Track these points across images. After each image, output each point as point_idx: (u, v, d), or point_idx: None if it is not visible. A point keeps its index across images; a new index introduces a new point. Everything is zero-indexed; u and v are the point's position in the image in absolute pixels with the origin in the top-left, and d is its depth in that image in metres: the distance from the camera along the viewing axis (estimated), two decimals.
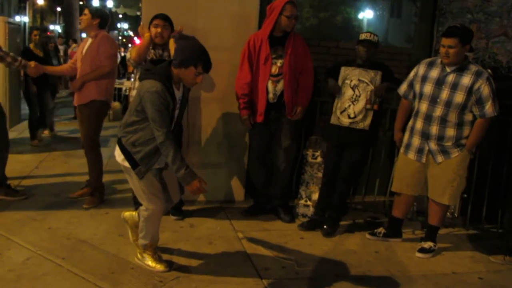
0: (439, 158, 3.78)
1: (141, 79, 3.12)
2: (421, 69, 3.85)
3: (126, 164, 3.15)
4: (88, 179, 4.80)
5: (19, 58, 4.66)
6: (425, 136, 3.80)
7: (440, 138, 3.74)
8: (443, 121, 3.71)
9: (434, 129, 3.75)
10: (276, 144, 4.46)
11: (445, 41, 3.63)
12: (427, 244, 3.94)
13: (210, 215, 4.53)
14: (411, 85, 3.92)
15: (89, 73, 4.47)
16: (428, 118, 3.77)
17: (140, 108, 3.03)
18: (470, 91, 3.61)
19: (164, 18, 4.11)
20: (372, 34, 4.18)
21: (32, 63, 4.64)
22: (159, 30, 4.08)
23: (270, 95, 4.29)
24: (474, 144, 3.77)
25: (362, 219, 4.70)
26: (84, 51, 4.55)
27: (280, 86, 4.27)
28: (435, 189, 3.88)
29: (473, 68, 3.66)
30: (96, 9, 4.83)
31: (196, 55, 3.05)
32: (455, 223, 4.59)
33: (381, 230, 4.18)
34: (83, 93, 4.51)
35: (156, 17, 4.12)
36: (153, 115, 2.96)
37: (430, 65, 3.81)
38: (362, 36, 4.14)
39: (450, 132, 3.72)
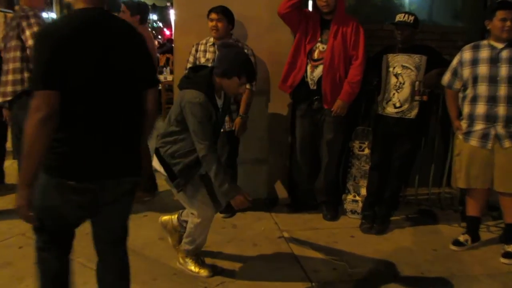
0: (507, 143, 3.61)
1: (181, 87, 3.09)
2: (466, 54, 3.74)
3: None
4: None
5: None
6: (491, 119, 3.62)
7: (509, 119, 3.58)
8: (510, 99, 3.56)
9: (501, 110, 3.58)
10: (319, 137, 4.40)
11: (507, 14, 3.54)
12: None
13: (253, 214, 4.45)
14: (455, 73, 3.80)
15: None
16: (492, 100, 3.60)
17: (181, 118, 3.00)
18: None
19: (218, 11, 4.11)
20: (407, 14, 4.04)
21: None
22: (213, 23, 4.11)
23: (309, 80, 4.23)
24: None
25: (416, 214, 4.58)
26: None
27: (317, 72, 4.19)
28: (507, 180, 3.66)
29: None
30: (134, 4, 4.72)
31: (240, 66, 3.01)
32: None
33: (466, 237, 3.90)
34: None
35: (210, 10, 4.14)
36: (195, 127, 2.92)
37: (476, 48, 3.72)
38: (396, 18, 4.03)
39: None
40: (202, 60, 4.19)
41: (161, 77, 9.65)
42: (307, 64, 4.22)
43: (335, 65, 4.15)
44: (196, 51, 4.27)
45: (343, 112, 4.22)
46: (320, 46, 4.20)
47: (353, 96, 4.21)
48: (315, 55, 4.21)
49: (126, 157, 2.22)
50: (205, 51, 4.23)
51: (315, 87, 4.22)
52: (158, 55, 8.99)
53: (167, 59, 11.00)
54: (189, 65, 4.18)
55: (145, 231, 4.03)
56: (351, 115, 4.38)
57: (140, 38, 2.24)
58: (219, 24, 4.10)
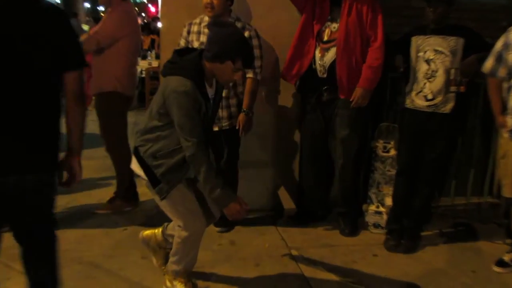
0: None
1: (164, 74, 3.01)
2: None
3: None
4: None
5: None
6: None
7: None
8: None
9: None
10: (331, 135, 4.33)
11: None
12: None
13: (255, 228, 4.43)
14: (499, 59, 3.70)
15: None
16: None
17: (164, 110, 2.92)
18: None
19: None
20: None
21: None
22: (208, 0, 3.97)
23: (318, 67, 4.17)
24: None
25: (451, 229, 4.53)
26: None
27: (329, 55, 4.12)
28: None
29: None
30: None
31: (235, 48, 2.92)
32: None
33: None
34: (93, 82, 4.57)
35: None
36: (181, 121, 2.85)
37: None
38: None
39: None
40: (196, 44, 4.05)
41: (145, 63, 9.55)
42: (315, 47, 4.17)
43: (350, 46, 4.08)
44: (188, 33, 4.13)
45: (364, 103, 4.12)
46: (331, 26, 4.15)
47: (375, 83, 4.11)
48: (325, 36, 4.16)
49: (25, 152, 2.28)
50: (199, 32, 4.08)
51: (325, 75, 4.16)
52: (141, 36, 8.87)
53: (152, 41, 10.93)
54: None
55: (124, 248, 3.97)
56: (371, 108, 4.31)
57: (53, 14, 2.32)
58: (215, 1, 3.94)
